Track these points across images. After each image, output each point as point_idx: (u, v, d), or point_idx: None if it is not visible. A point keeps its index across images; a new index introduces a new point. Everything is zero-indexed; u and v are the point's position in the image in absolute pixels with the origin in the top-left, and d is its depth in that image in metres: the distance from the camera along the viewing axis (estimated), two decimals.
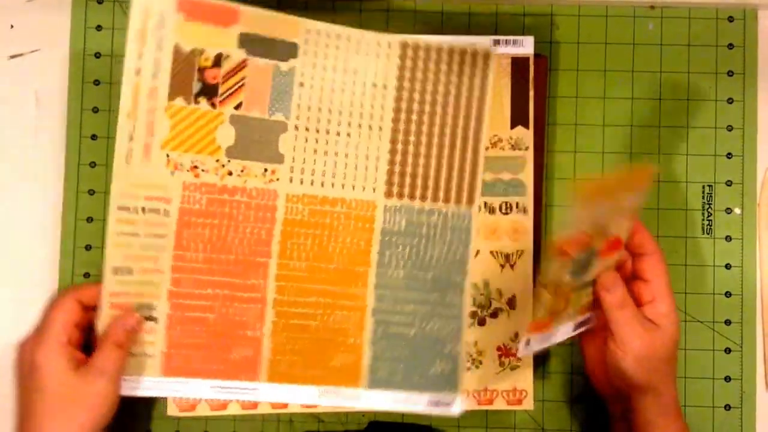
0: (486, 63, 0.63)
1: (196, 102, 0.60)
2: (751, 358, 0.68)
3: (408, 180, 0.63)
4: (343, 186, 0.63)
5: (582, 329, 0.61)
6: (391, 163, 0.63)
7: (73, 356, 0.57)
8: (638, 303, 0.59)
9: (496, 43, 0.66)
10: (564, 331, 0.60)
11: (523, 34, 0.67)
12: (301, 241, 0.62)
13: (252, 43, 0.60)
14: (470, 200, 0.64)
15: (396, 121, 0.63)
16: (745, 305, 0.68)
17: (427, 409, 0.63)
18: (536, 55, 0.66)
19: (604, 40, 0.69)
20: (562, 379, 0.68)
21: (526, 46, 0.66)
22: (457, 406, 0.63)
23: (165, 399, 0.65)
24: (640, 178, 0.56)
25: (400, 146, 0.63)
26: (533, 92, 0.66)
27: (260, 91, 0.61)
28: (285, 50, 0.61)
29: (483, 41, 0.65)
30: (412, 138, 0.63)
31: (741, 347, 0.68)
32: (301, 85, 0.62)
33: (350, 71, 0.62)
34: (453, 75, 0.63)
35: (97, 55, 0.68)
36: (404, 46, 0.63)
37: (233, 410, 0.65)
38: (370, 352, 0.63)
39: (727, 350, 0.68)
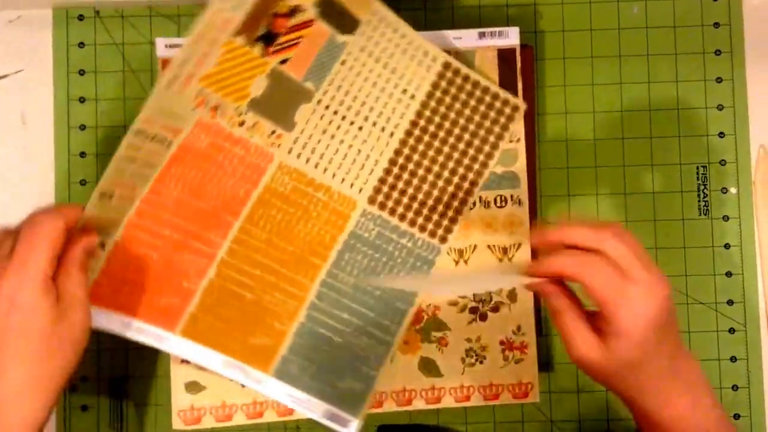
0: (512, 114, 0.64)
1: (252, 45, 0.60)
2: (755, 337, 0.67)
3: (395, 195, 0.63)
4: (333, 175, 0.63)
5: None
6: (387, 172, 0.63)
7: (53, 291, 0.50)
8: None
9: (482, 35, 0.65)
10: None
11: (507, 25, 0.67)
12: (272, 213, 0.62)
13: (326, 6, 0.61)
14: (443, 239, 0.64)
15: (409, 133, 0.63)
16: (747, 284, 0.67)
17: (321, 419, 0.62)
18: (522, 46, 0.66)
19: (589, 27, 0.69)
20: (568, 369, 0.67)
21: (511, 37, 0.66)
22: (352, 429, 0.62)
23: (170, 413, 0.65)
24: None
25: (401, 159, 0.63)
26: (521, 83, 0.66)
27: (306, 55, 0.61)
28: (348, 23, 0.61)
29: (516, 99, 0.65)
30: (416, 156, 0.63)
31: (745, 327, 0.67)
32: (343, 63, 0.62)
33: (389, 68, 0.63)
34: (478, 113, 0.64)
35: (81, 72, 0.68)
36: (447, 65, 0.63)
37: (239, 420, 0.65)
38: (290, 344, 0.62)
39: (731, 330, 0.67)
